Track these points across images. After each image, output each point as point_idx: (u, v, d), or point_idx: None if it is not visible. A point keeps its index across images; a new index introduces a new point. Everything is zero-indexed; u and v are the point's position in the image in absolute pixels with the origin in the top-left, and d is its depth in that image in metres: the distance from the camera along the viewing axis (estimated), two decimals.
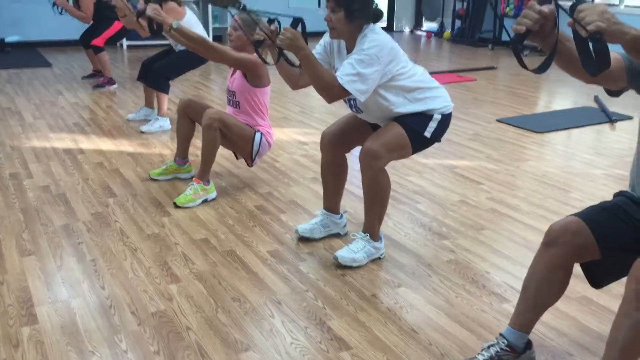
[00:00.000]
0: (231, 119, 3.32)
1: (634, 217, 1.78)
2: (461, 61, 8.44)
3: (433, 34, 10.95)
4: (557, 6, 1.53)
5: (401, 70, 2.55)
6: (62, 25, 8.81)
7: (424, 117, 2.62)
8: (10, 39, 8.53)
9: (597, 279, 1.94)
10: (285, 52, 2.47)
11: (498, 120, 5.28)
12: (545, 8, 1.53)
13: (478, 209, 3.38)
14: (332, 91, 2.46)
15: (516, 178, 3.88)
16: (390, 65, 2.50)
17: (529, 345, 1.99)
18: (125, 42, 8.82)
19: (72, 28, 8.75)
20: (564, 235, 1.80)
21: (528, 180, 3.83)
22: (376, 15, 2.55)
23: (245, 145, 3.40)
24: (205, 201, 3.37)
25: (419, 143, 2.68)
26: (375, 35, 2.49)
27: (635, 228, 1.76)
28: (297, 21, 2.44)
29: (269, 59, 2.66)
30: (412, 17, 11.49)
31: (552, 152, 4.46)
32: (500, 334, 1.99)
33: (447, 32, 10.50)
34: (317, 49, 2.67)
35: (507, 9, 9.11)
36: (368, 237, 2.72)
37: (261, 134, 3.41)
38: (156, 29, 3.30)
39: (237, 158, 3.69)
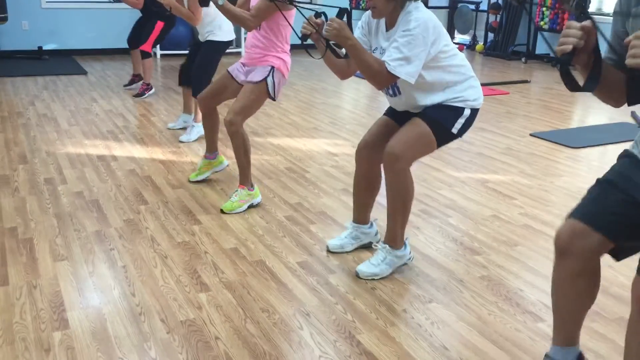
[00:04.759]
0: (241, 102, 3.28)
1: (629, 191, 1.68)
2: (494, 74, 8.35)
3: (465, 47, 10.87)
4: (594, 23, 1.50)
5: (444, 49, 2.52)
6: (98, 34, 9.01)
7: (454, 111, 2.58)
8: (47, 46, 8.73)
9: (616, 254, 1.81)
10: (332, 43, 2.46)
11: (531, 135, 5.20)
12: (587, 23, 1.50)
13: (511, 224, 3.32)
14: (382, 78, 2.45)
15: (550, 193, 3.81)
16: (435, 44, 2.47)
17: (580, 358, 1.90)
18: (159, 51, 8.94)
19: (108, 37, 8.96)
20: (574, 241, 1.72)
21: (562, 196, 3.75)
22: None
23: (265, 98, 3.38)
24: (251, 206, 3.40)
25: (445, 138, 2.64)
26: (419, 13, 2.46)
27: (634, 203, 1.67)
28: (342, 11, 2.44)
29: (317, 54, 2.64)
30: None
31: (587, 167, 4.37)
32: (547, 355, 1.91)
33: (480, 45, 10.41)
34: (356, 32, 2.64)
35: (542, 22, 9.00)
36: (388, 247, 2.69)
37: (272, 71, 3.30)
38: (206, 2, 3.40)
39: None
